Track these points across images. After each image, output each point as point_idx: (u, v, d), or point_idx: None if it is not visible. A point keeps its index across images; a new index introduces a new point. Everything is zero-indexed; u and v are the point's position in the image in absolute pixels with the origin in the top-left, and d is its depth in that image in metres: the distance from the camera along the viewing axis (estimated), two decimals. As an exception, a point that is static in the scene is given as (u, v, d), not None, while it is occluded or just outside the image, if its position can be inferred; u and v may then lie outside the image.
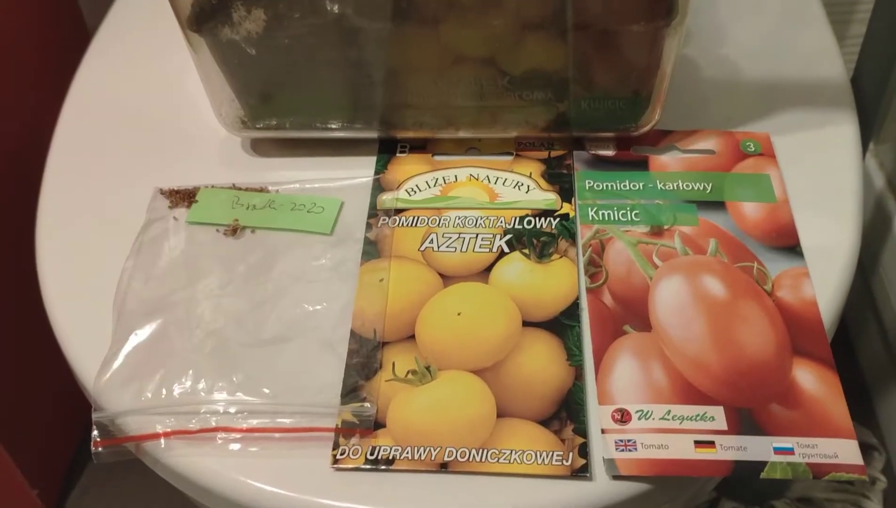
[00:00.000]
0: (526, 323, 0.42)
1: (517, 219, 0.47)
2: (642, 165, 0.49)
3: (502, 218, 0.47)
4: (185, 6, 0.44)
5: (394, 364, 0.41)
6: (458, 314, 0.43)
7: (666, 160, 0.49)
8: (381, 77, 0.49)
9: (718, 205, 0.46)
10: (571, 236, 0.46)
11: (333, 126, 0.50)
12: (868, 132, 0.64)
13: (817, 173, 0.48)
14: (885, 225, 0.93)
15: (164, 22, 0.46)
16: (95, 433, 0.40)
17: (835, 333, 0.43)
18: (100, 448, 0.40)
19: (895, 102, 0.91)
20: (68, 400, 0.65)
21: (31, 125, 0.65)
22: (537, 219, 0.47)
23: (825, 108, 0.52)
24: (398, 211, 0.47)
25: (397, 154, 0.51)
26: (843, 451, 0.37)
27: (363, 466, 0.38)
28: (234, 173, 0.50)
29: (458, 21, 0.48)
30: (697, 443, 0.37)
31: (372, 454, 0.38)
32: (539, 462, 0.37)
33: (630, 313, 0.42)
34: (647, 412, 0.38)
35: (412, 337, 0.42)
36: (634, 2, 0.46)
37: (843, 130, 0.51)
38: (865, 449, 0.85)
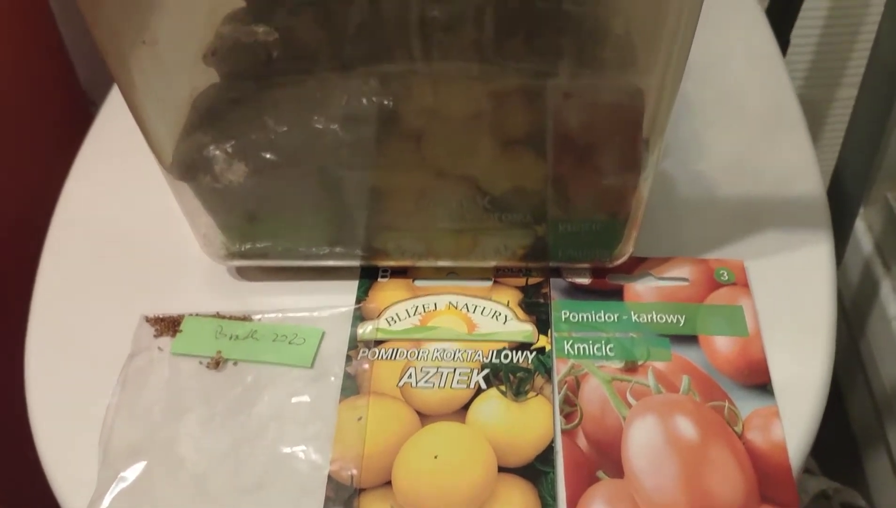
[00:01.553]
0: (501, 468, 0.43)
1: (494, 352, 0.47)
2: (618, 294, 0.50)
3: (480, 351, 0.47)
4: (166, 155, 0.45)
5: (371, 513, 0.42)
6: (435, 458, 0.43)
7: (640, 289, 0.50)
8: (363, 201, 0.50)
9: (691, 339, 0.47)
10: (547, 372, 0.46)
11: (315, 255, 0.51)
12: (856, 205, 0.65)
13: (790, 304, 0.49)
14: (873, 289, 0.94)
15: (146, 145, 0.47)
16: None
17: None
18: None
19: (886, 163, 0.92)
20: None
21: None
22: (514, 353, 0.47)
23: (800, 229, 0.52)
24: (378, 342, 0.48)
25: (378, 279, 0.51)
26: None
27: None
28: (218, 298, 0.51)
29: (440, 135, 0.49)
30: None
31: None
32: None
33: (603, 457, 0.43)
34: (617, 568, 0.39)
35: (389, 483, 0.43)
36: (613, 116, 0.47)
37: (817, 254, 0.51)
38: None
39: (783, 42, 0.78)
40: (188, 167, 0.45)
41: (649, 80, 0.43)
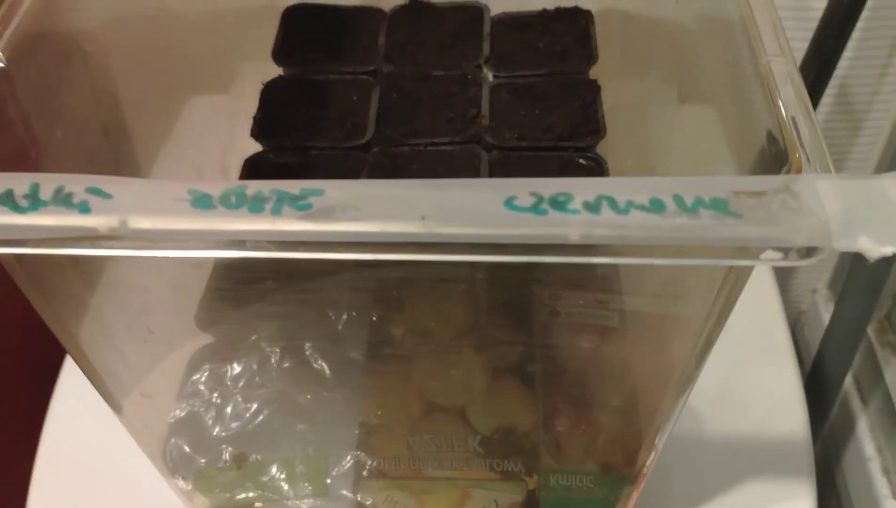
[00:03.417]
0: None
1: None
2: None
3: None
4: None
5: None
6: None
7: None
8: (355, 439, 0.51)
9: None
10: None
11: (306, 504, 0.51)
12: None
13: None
14: (849, 425, 0.95)
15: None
16: None
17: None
18: None
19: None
20: None
21: None
22: None
23: (784, 479, 0.53)
24: None
25: (370, 530, 0.52)
26: None
27: None
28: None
29: (430, 360, 0.50)
30: None
31: None
32: None
33: None
34: None
35: None
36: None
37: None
38: None
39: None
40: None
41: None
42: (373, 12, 0.68)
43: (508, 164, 0.57)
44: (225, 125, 0.62)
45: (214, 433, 0.51)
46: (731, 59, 0.54)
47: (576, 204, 0.25)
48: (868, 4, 0.65)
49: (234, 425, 0.51)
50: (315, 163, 0.57)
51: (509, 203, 0.25)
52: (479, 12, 0.68)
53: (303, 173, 0.56)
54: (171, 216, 0.25)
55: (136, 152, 0.60)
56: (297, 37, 0.66)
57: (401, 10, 0.68)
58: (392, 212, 0.25)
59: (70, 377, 0.60)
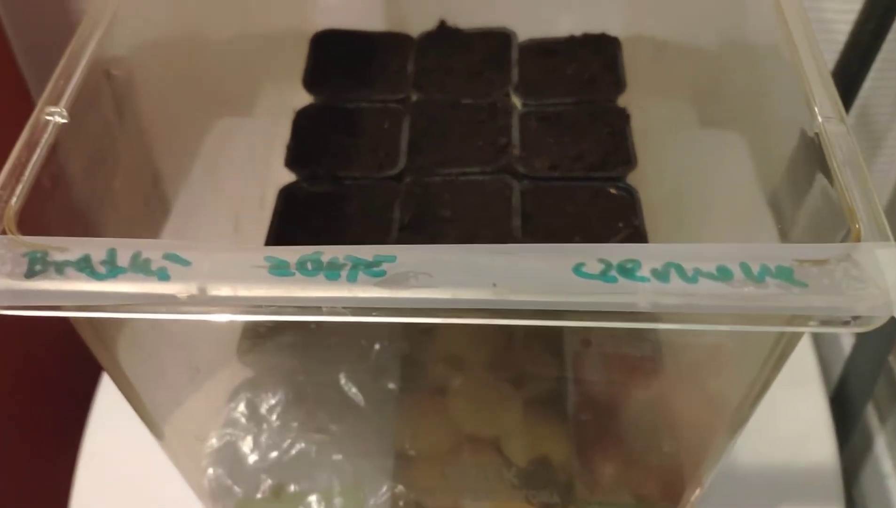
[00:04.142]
0: None
1: None
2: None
3: None
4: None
5: None
6: None
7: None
8: (392, 469, 0.51)
9: None
10: None
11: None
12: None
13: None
14: (867, 443, 0.95)
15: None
16: None
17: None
18: None
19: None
20: None
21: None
22: None
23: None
24: None
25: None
26: None
27: None
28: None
29: (464, 391, 0.50)
30: None
31: None
32: None
33: None
34: None
35: None
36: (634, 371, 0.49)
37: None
38: None
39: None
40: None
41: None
42: (401, 38, 0.69)
43: (539, 193, 0.57)
44: (252, 148, 0.63)
45: (252, 464, 0.52)
46: (762, 89, 0.55)
47: (644, 271, 0.26)
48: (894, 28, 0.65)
49: (272, 455, 0.51)
50: (349, 193, 0.58)
51: (578, 270, 0.26)
52: (506, 38, 0.68)
53: (337, 203, 0.57)
54: (249, 284, 0.26)
55: (163, 176, 0.60)
56: (326, 64, 0.66)
57: (429, 35, 0.69)
58: (464, 279, 0.26)
59: (106, 395, 0.60)
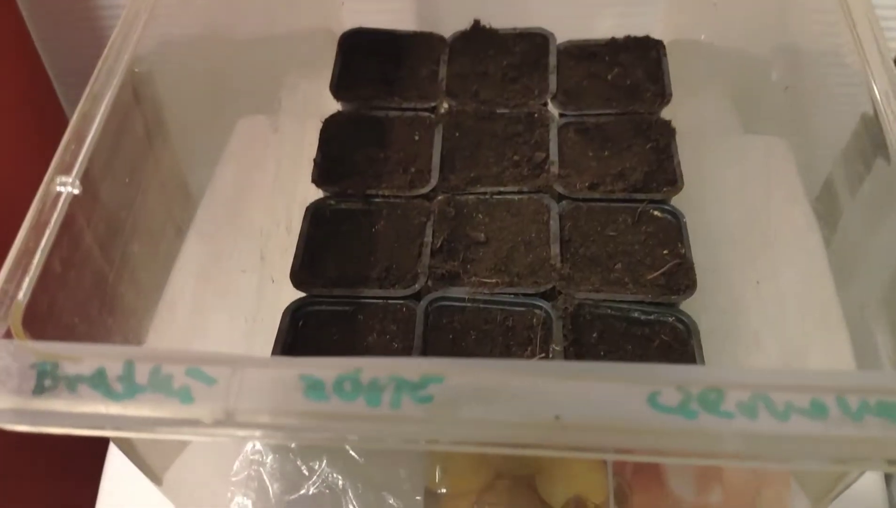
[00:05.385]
0: None
1: None
2: None
3: None
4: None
5: None
6: None
7: None
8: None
9: None
10: None
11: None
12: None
13: None
14: None
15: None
16: None
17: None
18: None
19: None
20: None
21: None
22: None
23: None
24: None
25: None
26: None
27: None
28: None
29: None
30: None
31: None
32: None
33: None
34: None
35: None
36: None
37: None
38: None
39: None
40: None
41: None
42: (433, 39, 0.64)
43: (579, 215, 0.54)
44: (278, 155, 0.60)
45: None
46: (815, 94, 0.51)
47: (729, 404, 0.22)
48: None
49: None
50: (378, 210, 0.55)
51: (653, 400, 0.22)
52: (544, 40, 0.64)
53: (366, 221, 0.54)
54: (281, 410, 0.23)
55: (186, 173, 0.57)
56: (354, 69, 0.63)
57: (462, 36, 0.64)
58: (523, 408, 0.23)
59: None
